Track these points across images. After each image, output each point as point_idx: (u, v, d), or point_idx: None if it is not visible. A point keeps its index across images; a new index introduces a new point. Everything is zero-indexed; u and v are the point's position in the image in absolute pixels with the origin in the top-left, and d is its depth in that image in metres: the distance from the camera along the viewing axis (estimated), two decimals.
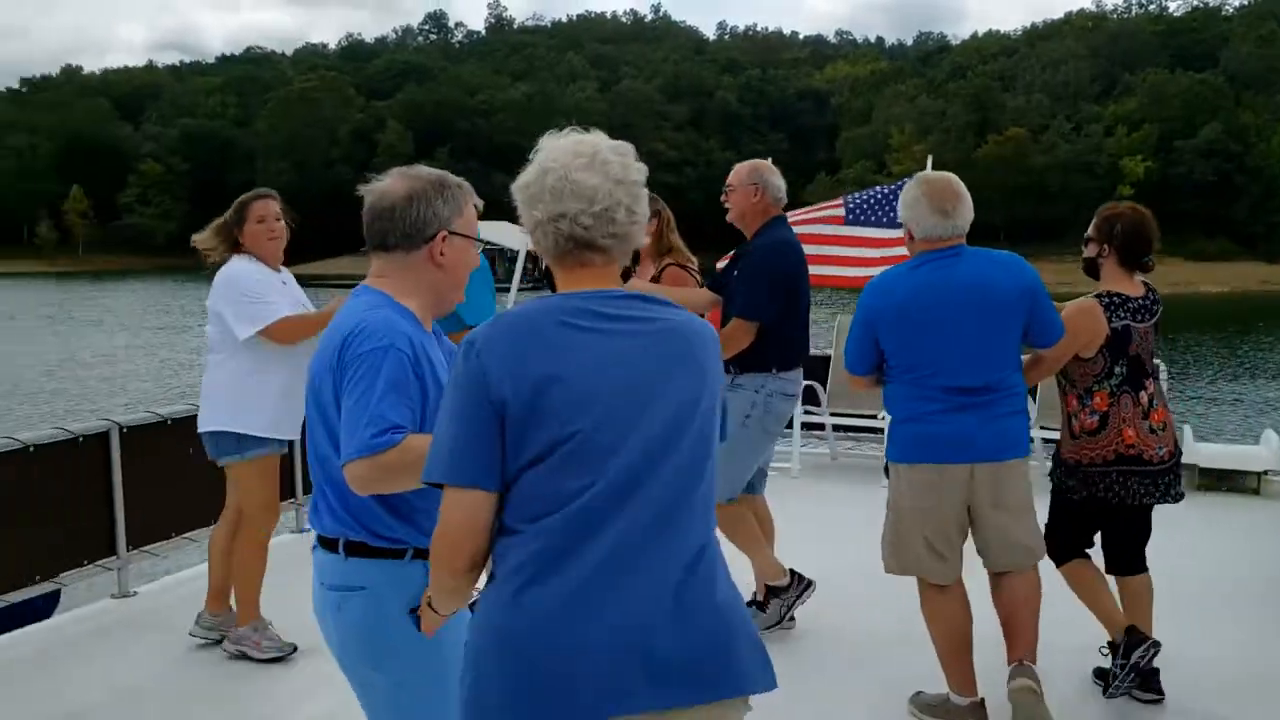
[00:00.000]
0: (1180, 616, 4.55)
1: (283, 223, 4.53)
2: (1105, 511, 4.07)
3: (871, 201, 8.98)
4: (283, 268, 4.61)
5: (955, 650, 3.82)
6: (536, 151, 2.03)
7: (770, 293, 4.45)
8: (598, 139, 2.03)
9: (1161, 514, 4.13)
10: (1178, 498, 4.07)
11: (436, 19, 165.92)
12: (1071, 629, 4.17)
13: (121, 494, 5.21)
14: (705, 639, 1.89)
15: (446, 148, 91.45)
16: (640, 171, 2.04)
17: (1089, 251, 4.12)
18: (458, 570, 1.94)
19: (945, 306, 3.67)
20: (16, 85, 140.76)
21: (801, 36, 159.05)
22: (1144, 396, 3.97)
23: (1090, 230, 4.12)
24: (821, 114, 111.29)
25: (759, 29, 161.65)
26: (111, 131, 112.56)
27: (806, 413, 8.08)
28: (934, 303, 3.68)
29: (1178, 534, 4.90)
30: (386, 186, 2.43)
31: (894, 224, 8.81)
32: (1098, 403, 3.95)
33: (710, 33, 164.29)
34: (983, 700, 3.81)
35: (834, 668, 4.38)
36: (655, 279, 4.87)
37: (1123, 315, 3.96)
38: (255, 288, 4.34)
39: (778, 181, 4.64)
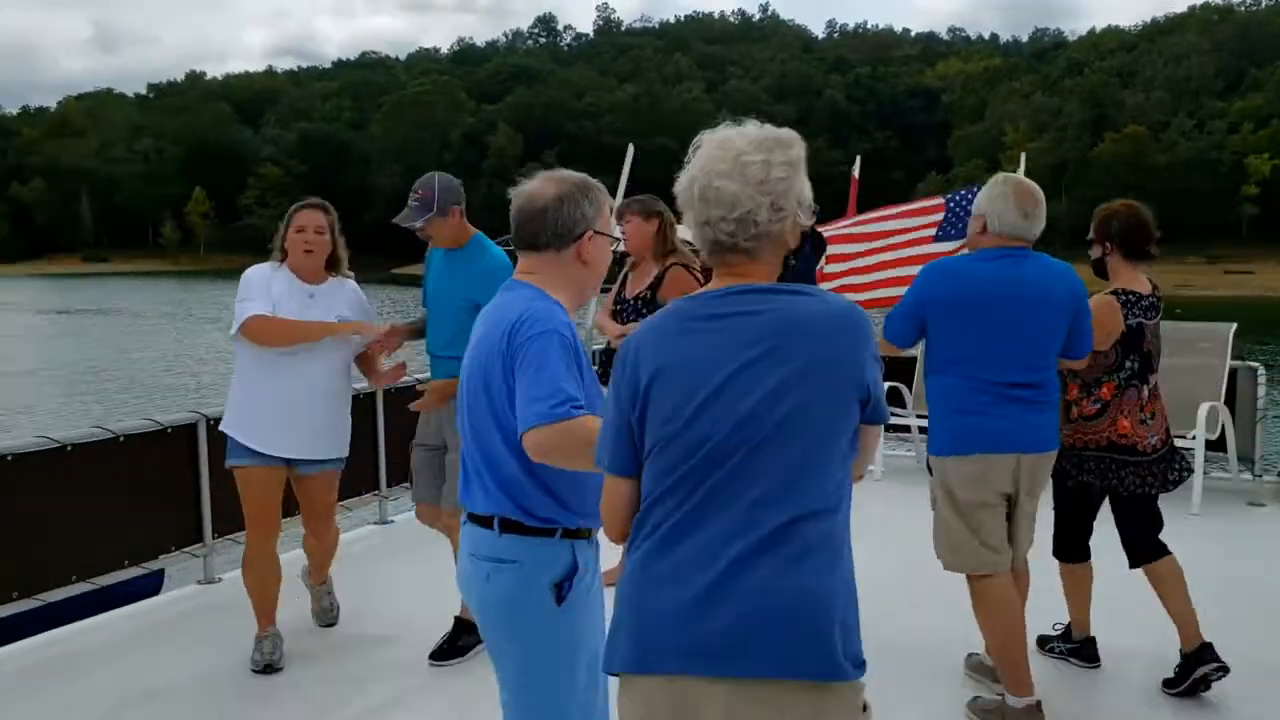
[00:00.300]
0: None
1: (326, 237, 4.33)
2: (1097, 500, 4.20)
3: (961, 211, 8.77)
4: (334, 279, 4.39)
5: (1013, 645, 3.78)
6: (696, 148, 2.10)
7: None
8: (742, 137, 2.06)
9: None
10: (1175, 483, 4.20)
11: (546, 22, 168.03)
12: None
13: (208, 483, 5.37)
14: (752, 606, 1.91)
15: (555, 150, 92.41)
16: (788, 165, 2.05)
17: (1094, 253, 4.22)
18: (615, 540, 2.16)
19: (1013, 303, 3.69)
20: (144, 91, 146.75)
21: (913, 34, 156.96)
22: (1145, 390, 4.10)
23: (1091, 232, 4.21)
24: (932, 112, 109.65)
25: (869, 27, 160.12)
26: (233, 135, 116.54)
27: (891, 414, 7.73)
28: (1002, 298, 3.70)
29: None
30: (537, 189, 2.56)
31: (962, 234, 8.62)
32: (1103, 393, 4.06)
33: (819, 31, 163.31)
34: (1039, 702, 3.75)
35: (903, 674, 4.29)
36: (659, 279, 4.93)
37: (1136, 313, 4.06)
38: (246, 288, 4.22)
39: None
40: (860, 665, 1.95)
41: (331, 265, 4.39)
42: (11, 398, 25.12)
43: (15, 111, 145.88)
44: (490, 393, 2.48)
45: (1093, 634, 4.34)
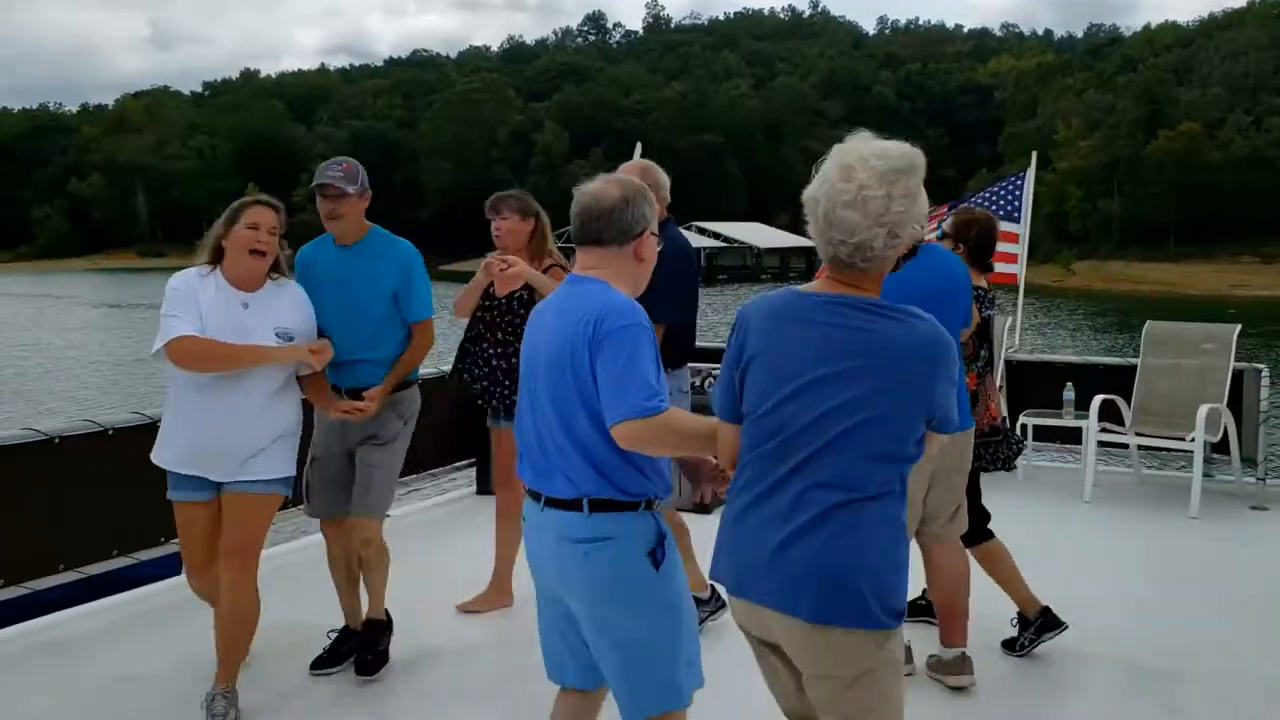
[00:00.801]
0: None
1: (277, 240, 3.90)
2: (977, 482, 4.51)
3: (983, 202, 8.82)
4: (272, 283, 3.94)
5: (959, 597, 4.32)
6: (823, 161, 2.40)
7: (674, 295, 4.25)
8: (865, 168, 2.31)
9: None
10: (1012, 459, 4.67)
11: (595, 20, 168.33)
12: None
13: None
14: (803, 568, 2.35)
15: (601, 147, 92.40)
16: (908, 197, 2.34)
17: (945, 245, 4.51)
18: (727, 464, 2.62)
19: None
20: (200, 89, 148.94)
21: (966, 30, 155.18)
22: (991, 376, 4.58)
23: (947, 227, 4.57)
24: (984, 109, 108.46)
25: (921, 23, 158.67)
26: (285, 132, 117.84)
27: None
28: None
29: None
30: (602, 190, 2.82)
31: (1011, 217, 8.65)
32: (969, 383, 4.32)
33: (870, 27, 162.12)
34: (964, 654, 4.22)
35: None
36: None
37: (986, 307, 4.48)
38: (173, 300, 3.74)
39: (665, 180, 4.64)
40: (896, 616, 2.36)
41: (273, 268, 3.96)
42: (67, 384, 26.13)
43: (75, 109, 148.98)
44: (579, 379, 2.66)
45: (1044, 604, 4.50)
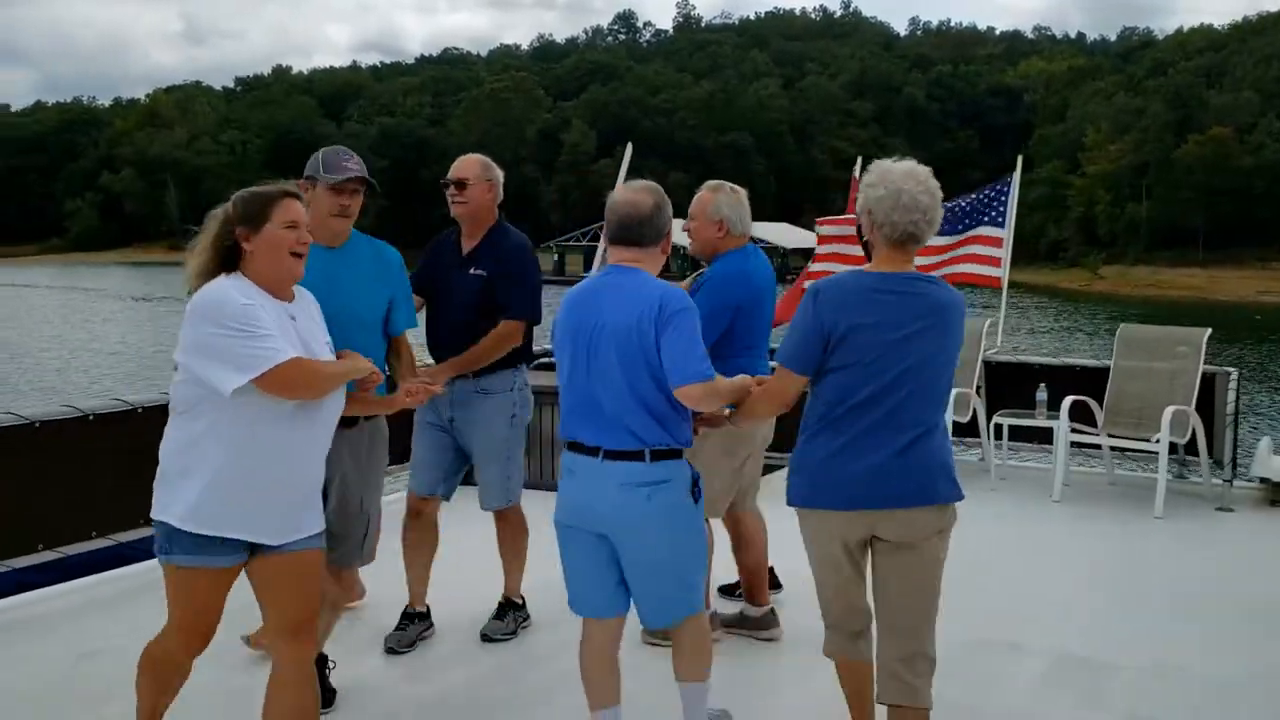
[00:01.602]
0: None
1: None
2: None
3: (979, 202, 8.89)
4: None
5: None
6: (872, 171, 3.32)
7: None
8: (917, 170, 3.28)
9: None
10: None
11: (625, 19, 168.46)
12: None
13: None
14: (917, 476, 3.22)
15: (628, 147, 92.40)
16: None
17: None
18: (777, 412, 3.54)
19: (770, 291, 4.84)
20: (232, 84, 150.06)
21: (998, 32, 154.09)
22: None
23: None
24: (1014, 112, 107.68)
25: (952, 24, 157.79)
26: (316, 129, 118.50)
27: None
28: (770, 289, 4.83)
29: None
30: (638, 198, 3.44)
31: (971, 227, 8.73)
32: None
33: (902, 28, 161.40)
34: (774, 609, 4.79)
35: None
36: None
37: None
38: (250, 314, 3.00)
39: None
40: (961, 495, 3.32)
41: None
42: (94, 372, 26.66)
43: (108, 103, 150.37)
44: (645, 350, 3.25)
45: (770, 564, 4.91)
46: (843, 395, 3.19)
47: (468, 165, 4.62)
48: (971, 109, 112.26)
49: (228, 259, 3.12)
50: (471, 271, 4.55)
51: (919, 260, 8.66)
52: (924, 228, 3.25)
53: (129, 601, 5.11)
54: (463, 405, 4.57)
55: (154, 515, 3.09)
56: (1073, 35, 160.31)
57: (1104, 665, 4.44)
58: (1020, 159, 9.28)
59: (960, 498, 3.31)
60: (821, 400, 3.27)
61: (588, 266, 34.86)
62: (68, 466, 5.32)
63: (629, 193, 3.45)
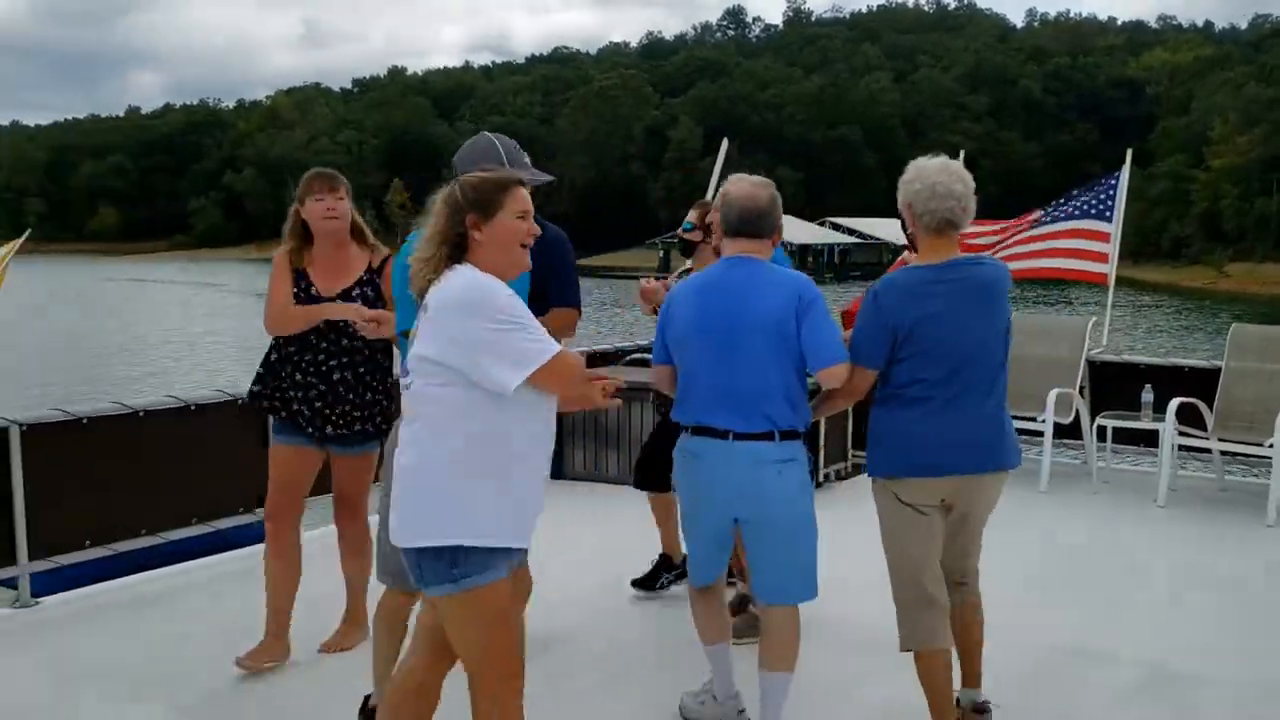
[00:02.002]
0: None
1: None
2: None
3: (1068, 202, 8.70)
4: None
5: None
6: (909, 169, 3.59)
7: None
8: (949, 164, 3.57)
9: None
10: None
11: (734, 14, 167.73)
12: None
13: None
14: (987, 441, 3.54)
15: (736, 143, 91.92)
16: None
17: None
18: (852, 402, 3.79)
19: None
20: (349, 85, 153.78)
21: (1119, 22, 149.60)
22: None
23: None
24: (1136, 104, 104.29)
25: (1071, 15, 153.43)
26: (430, 129, 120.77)
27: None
28: None
29: None
30: (756, 191, 3.70)
31: (1085, 215, 8.51)
32: None
33: (1018, 20, 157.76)
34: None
35: None
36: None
37: None
38: (520, 307, 2.86)
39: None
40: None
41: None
42: (210, 364, 27.98)
43: (231, 105, 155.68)
44: (785, 337, 3.47)
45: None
46: (916, 376, 3.48)
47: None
48: (1091, 101, 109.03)
49: (456, 249, 2.91)
50: None
51: (1018, 249, 8.64)
52: (959, 214, 3.51)
53: (220, 587, 5.31)
54: None
55: (432, 541, 2.77)
56: (1199, 24, 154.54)
57: (1201, 680, 4.28)
58: (1130, 153, 8.99)
59: (1019, 463, 3.68)
60: (893, 382, 3.54)
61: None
62: (170, 455, 5.52)
63: (747, 186, 3.72)
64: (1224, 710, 4.05)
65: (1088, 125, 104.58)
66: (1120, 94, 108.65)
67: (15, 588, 5.04)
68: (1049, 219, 8.68)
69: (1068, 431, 7.51)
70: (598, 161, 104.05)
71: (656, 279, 5.10)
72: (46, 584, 5.20)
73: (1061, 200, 8.82)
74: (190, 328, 40.59)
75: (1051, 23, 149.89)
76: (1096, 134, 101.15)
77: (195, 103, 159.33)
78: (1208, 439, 7.08)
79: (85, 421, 5.22)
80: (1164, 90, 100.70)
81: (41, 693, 4.12)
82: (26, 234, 9.49)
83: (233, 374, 24.20)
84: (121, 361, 30.76)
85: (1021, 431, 7.86)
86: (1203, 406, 7.15)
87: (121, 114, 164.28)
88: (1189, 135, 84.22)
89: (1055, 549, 5.93)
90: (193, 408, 5.62)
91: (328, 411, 4.34)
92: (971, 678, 3.73)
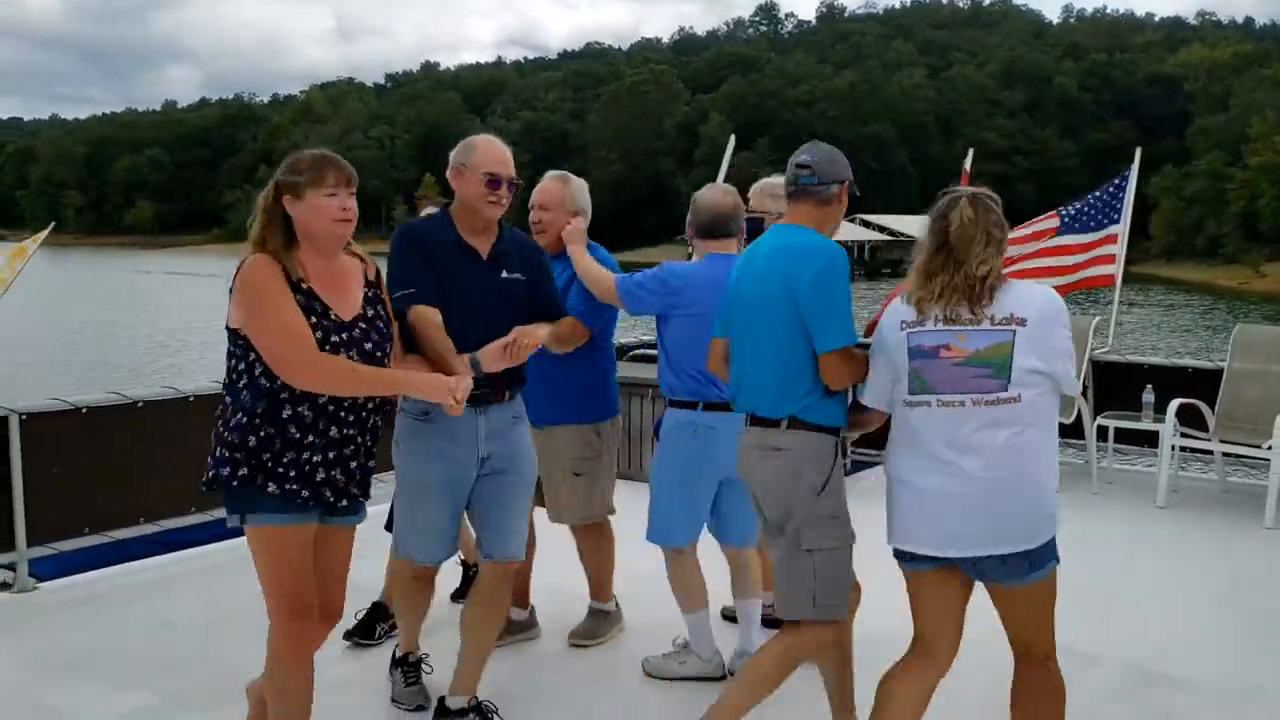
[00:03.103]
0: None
1: None
2: None
3: (1087, 208, 8.65)
4: None
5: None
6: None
7: None
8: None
9: None
10: None
11: (767, 10, 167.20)
12: None
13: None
14: None
15: (766, 139, 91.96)
16: None
17: None
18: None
19: None
20: (382, 80, 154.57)
21: (1157, 18, 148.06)
22: None
23: None
24: (1172, 101, 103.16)
25: (1108, 11, 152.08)
26: (461, 124, 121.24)
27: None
28: None
29: None
30: (721, 199, 4.20)
31: (1101, 226, 8.47)
32: None
33: (1054, 16, 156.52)
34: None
35: None
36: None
37: None
38: None
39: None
40: None
41: None
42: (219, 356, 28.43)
43: (266, 100, 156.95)
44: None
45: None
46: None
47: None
48: (1127, 99, 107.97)
49: None
50: (504, 275, 3.83)
51: (1047, 262, 8.57)
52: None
53: (215, 575, 5.39)
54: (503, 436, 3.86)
55: (1041, 541, 3.02)
56: (1239, 21, 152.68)
57: (1181, 682, 4.25)
58: (1139, 152, 8.95)
59: None
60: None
61: None
62: (168, 444, 5.61)
63: (716, 194, 4.16)
64: (1200, 714, 4.03)
65: (1124, 123, 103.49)
66: (1157, 91, 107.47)
67: (14, 572, 5.15)
68: (1080, 229, 8.59)
69: (1070, 431, 7.48)
70: (626, 156, 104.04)
71: None
72: (45, 569, 5.31)
73: (1078, 205, 8.73)
74: (214, 319, 41.06)
75: (1088, 19, 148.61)
76: (1133, 131, 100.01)
77: (230, 97, 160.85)
78: (1209, 440, 7.03)
79: (84, 411, 5.32)
80: (1201, 87, 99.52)
81: (30, 676, 4.22)
82: (50, 227, 9.68)
83: None
84: (147, 352, 31.16)
85: None
86: (1204, 407, 7.10)
87: (158, 108, 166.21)
88: (1227, 133, 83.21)
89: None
90: (191, 399, 5.71)
91: (359, 473, 3.27)
92: None
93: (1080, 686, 4.18)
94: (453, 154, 3.89)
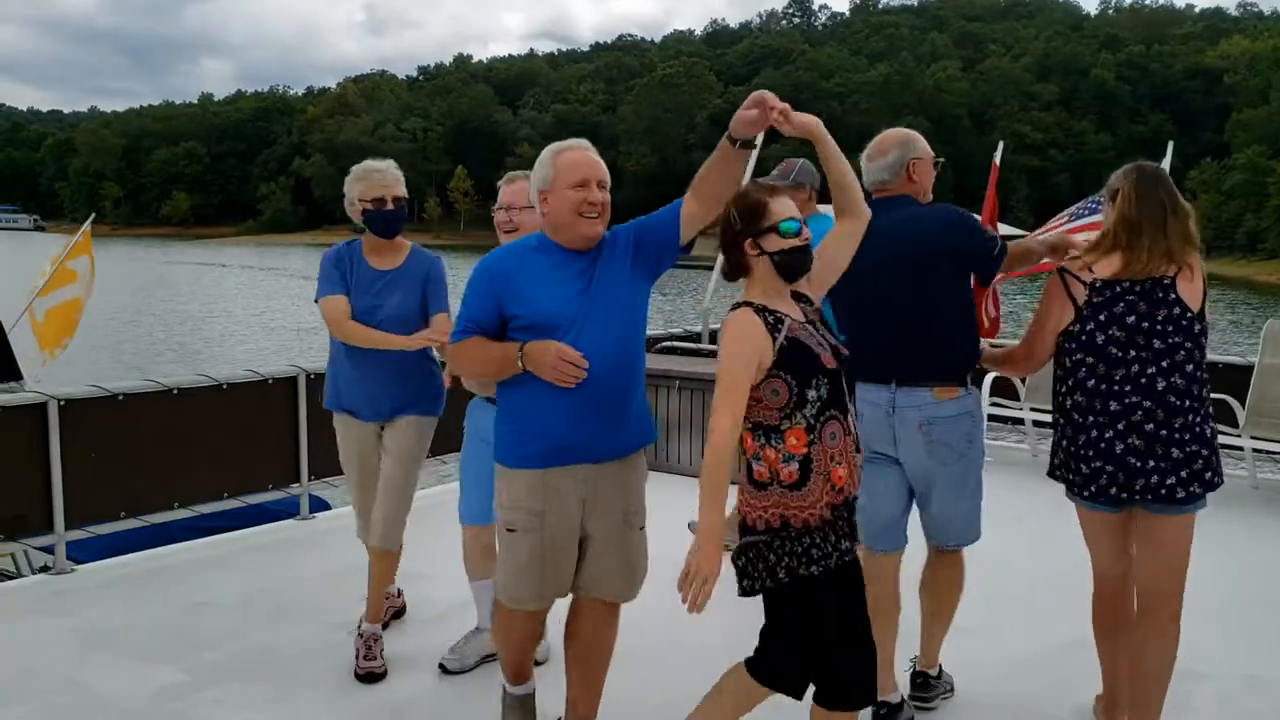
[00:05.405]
0: None
1: None
2: None
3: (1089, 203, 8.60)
4: None
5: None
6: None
7: None
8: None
9: None
10: None
11: (800, 2, 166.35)
12: None
13: (306, 430, 6.03)
14: None
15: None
16: None
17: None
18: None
19: None
20: (414, 73, 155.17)
21: (1197, 10, 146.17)
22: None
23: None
24: (1212, 94, 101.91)
25: (1147, 3, 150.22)
26: (493, 116, 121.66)
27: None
28: None
29: None
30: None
31: (1083, 214, 8.40)
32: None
33: (1091, 7, 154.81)
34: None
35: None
36: None
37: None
38: None
39: None
40: None
41: None
42: (271, 343, 28.62)
43: (300, 92, 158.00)
44: None
45: None
46: None
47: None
48: (1165, 91, 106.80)
49: None
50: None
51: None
52: None
53: (246, 558, 5.49)
54: None
55: None
56: None
57: (1192, 675, 4.25)
58: (1170, 145, 8.87)
59: None
60: None
61: None
62: (202, 431, 5.72)
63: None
64: (1212, 705, 4.04)
65: (1162, 116, 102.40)
66: (1196, 84, 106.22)
67: (52, 554, 5.27)
68: (1075, 216, 8.55)
69: None
70: (658, 149, 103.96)
71: None
72: (82, 552, 5.43)
73: (1096, 197, 8.70)
74: (250, 308, 41.54)
75: (1126, 10, 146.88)
76: (1171, 124, 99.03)
77: (265, 90, 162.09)
78: (1239, 436, 6.99)
79: (121, 398, 5.43)
80: (1241, 80, 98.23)
81: (66, 654, 4.32)
82: (90, 219, 9.84)
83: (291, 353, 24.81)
84: (181, 341, 31.61)
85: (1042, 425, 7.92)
86: (1234, 403, 7.05)
87: (194, 100, 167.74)
88: (1269, 127, 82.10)
89: (1070, 545, 5.89)
90: (224, 386, 5.81)
91: None
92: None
93: (1094, 680, 4.20)
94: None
